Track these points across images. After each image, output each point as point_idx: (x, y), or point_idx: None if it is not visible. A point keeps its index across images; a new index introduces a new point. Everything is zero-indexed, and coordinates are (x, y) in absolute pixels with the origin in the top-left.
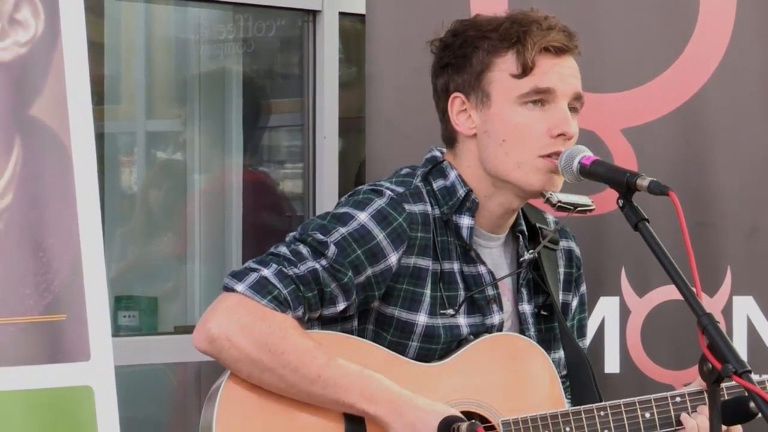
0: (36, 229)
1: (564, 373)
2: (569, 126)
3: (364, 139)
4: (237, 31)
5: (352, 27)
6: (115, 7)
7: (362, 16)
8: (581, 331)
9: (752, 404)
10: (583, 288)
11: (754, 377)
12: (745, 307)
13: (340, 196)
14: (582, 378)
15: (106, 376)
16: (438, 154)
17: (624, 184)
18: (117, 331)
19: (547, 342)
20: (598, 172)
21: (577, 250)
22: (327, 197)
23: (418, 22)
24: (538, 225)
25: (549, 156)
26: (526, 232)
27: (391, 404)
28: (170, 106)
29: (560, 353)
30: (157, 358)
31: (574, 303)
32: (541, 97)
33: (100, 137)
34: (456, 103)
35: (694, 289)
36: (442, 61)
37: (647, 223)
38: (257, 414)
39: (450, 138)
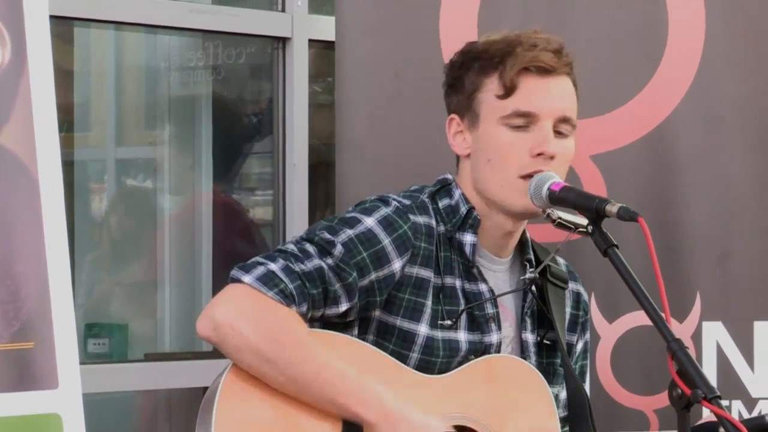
0: (3, 256)
1: (564, 414)
2: (549, 145)
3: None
4: (207, 58)
5: (324, 54)
6: (85, 34)
7: (332, 43)
8: (582, 377)
9: (722, 430)
10: (588, 335)
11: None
12: (714, 332)
13: (309, 222)
14: (580, 418)
15: (75, 403)
16: (449, 175)
17: (593, 210)
18: (87, 358)
19: (547, 375)
20: (568, 198)
21: (585, 295)
22: (297, 224)
23: (388, 48)
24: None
25: (531, 176)
26: (535, 264)
27: (383, 413)
28: (140, 133)
29: (559, 391)
30: (127, 385)
31: (579, 346)
32: (523, 121)
33: (70, 164)
34: (453, 124)
35: (663, 315)
36: (446, 83)
37: (617, 249)
38: (256, 413)
39: (456, 158)
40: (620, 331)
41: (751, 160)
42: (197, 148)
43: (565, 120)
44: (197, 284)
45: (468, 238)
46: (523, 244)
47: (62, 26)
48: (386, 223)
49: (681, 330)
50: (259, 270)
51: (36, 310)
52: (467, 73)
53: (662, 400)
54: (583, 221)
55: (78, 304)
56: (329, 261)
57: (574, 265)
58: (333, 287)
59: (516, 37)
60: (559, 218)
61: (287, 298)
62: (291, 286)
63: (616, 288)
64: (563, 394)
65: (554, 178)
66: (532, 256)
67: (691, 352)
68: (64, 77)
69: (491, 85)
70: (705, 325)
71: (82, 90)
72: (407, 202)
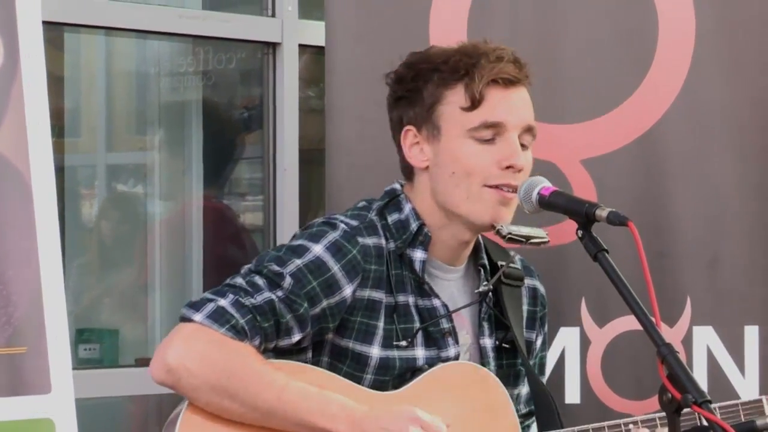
0: None
1: (527, 410)
2: (518, 158)
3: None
4: (197, 63)
5: (317, 59)
6: (76, 40)
7: (322, 48)
8: (541, 369)
9: None
10: (546, 327)
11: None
12: (705, 337)
13: (300, 228)
14: (548, 414)
15: (67, 408)
16: (398, 186)
17: (583, 215)
18: (78, 363)
19: (507, 377)
20: (558, 203)
21: (542, 289)
22: (287, 229)
23: (378, 53)
24: (499, 262)
25: (497, 187)
26: (488, 267)
27: (352, 421)
28: (131, 138)
29: (521, 389)
30: (118, 390)
31: (539, 341)
32: (490, 132)
33: (60, 170)
34: (408, 136)
35: (653, 320)
36: (396, 94)
37: (606, 254)
38: None
39: (406, 170)
40: (610, 336)
41: (740, 164)
42: (187, 154)
43: (529, 129)
44: (188, 289)
45: (418, 254)
46: (476, 248)
47: (53, 32)
48: (335, 249)
49: (671, 334)
50: (209, 307)
51: (28, 315)
52: (425, 85)
53: (653, 404)
54: (538, 232)
55: (69, 310)
56: (279, 293)
57: (564, 269)
58: (284, 319)
59: (474, 48)
60: (510, 233)
61: (239, 333)
62: (242, 321)
63: (606, 293)
64: (524, 390)
65: (544, 182)
66: (485, 261)
67: (682, 356)
68: (54, 83)
69: (454, 97)
70: (695, 329)
71: (73, 95)
72: (355, 223)
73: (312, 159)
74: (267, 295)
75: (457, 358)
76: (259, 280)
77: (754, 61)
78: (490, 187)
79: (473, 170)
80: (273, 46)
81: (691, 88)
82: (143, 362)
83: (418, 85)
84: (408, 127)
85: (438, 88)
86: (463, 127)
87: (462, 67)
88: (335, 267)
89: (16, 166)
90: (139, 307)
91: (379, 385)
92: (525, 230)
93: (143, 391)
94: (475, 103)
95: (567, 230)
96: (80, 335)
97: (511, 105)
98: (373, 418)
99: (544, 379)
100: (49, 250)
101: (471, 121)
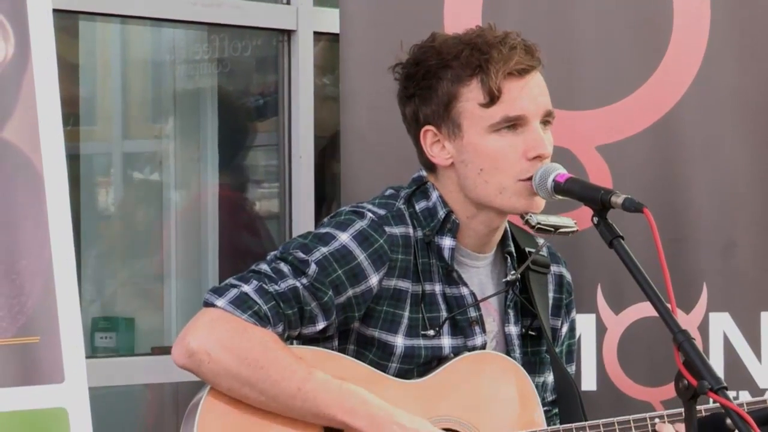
0: (8, 251)
1: (552, 398)
2: (544, 148)
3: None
4: (212, 51)
5: (333, 46)
6: (91, 27)
7: (337, 35)
8: (569, 357)
9: (728, 421)
10: (574, 314)
11: None
12: (721, 323)
13: (316, 215)
14: (570, 403)
15: (81, 397)
16: (425, 174)
17: (598, 202)
18: (94, 352)
19: (532, 365)
20: (573, 190)
21: (568, 276)
22: (303, 217)
23: (393, 40)
24: (527, 249)
25: (529, 179)
26: (515, 254)
27: (371, 419)
28: (146, 126)
29: (546, 377)
30: (134, 379)
31: (564, 329)
32: (513, 123)
33: (76, 158)
34: (428, 135)
35: (669, 306)
36: (408, 91)
37: (622, 240)
38: (237, 429)
39: (428, 165)
40: (626, 323)
41: (756, 150)
42: (203, 141)
43: (548, 114)
44: (204, 278)
45: (447, 242)
46: (503, 236)
47: (67, 20)
48: (361, 238)
49: (688, 321)
50: (232, 293)
51: (41, 304)
52: (439, 83)
53: (669, 391)
54: (567, 221)
55: (84, 298)
56: (303, 281)
57: (579, 256)
58: (309, 306)
59: (483, 39)
60: (539, 223)
61: (262, 320)
62: (265, 307)
63: (622, 279)
64: (550, 378)
65: (559, 169)
66: (512, 248)
67: (698, 343)
68: (69, 71)
69: (471, 94)
70: (712, 315)
71: (88, 84)
72: (382, 212)
73: (327, 146)
74: (291, 282)
75: (483, 346)
76: (284, 267)
77: None
78: (523, 180)
79: (502, 166)
80: (288, 34)
81: (706, 73)
82: (159, 351)
83: (431, 83)
84: (427, 127)
85: (453, 85)
86: (484, 122)
87: (474, 62)
88: (361, 256)
89: (28, 156)
90: (155, 295)
91: (403, 374)
92: (553, 219)
93: (159, 380)
94: (493, 99)
95: (583, 217)
96: (96, 324)
97: (529, 94)
98: (394, 423)
99: (572, 367)
100: (61, 239)
101: (492, 117)
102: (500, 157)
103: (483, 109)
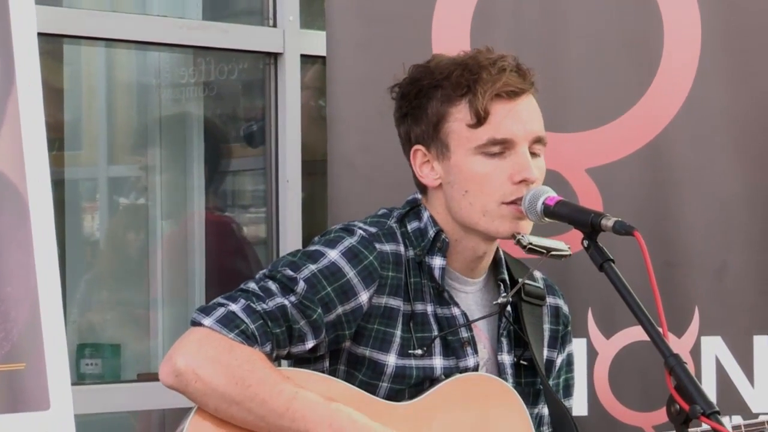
0: None
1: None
2: (530, 172)
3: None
4: (198, 74)
5: (316, 69)
6: (75, 51)
7: (324, 58)
8: (568, 391)
9: None
10: (571, 347)
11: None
12: (713, 347)
13: (303, 240)
14: None
15: (66, 425)
16: (419, 196)
17: (589, 225)
18: (80, 379)
19: (527, 395)
20: (563, 213)
21: (565, 308)
22: (290, 241)
23: (380, 63)
24: (521, 280)
25: (513, 203)
26: (509, 283)
27: None
28: (132, 151)
29: (542, 409)
30: (120, 406)
31: (559, 360)
32: (499, 147)
33: (60, 183)
34: (418, 155)
35: (661, 330)
36: (402, 111)
37: (613, 264)
38: None
39: (419, 186)
40: (618, 347)
41: (747, 172)
42: (189, 166)
43: (538, 140)
44: (191, 303)
45: (437, 261)
46: (496, 263)
47: (52, 44)
48: (351, 255)
49: (679, 345)
50: (220, 311)
51: (27, 331)
52: (429, 102)
53: (661, 416)
54: (560, 245)
55: (70, 324)
56: (292, 298)
57: (570, 280)
58: (297, 325)
59: (474, 61)
60: (530, 243)
61: (249, 339)
62: (252, 326)
63: (613, 303)
64: (545, 411)
65: (549, 192)
66: (506, 276)
67: (690, 367)
68: (54, 95)
69: (459, 114)
70: (704, 339)
71: (73, 108)
72: (373, 230)
73: (315, 170)
74: (279, 300)
75: (476, 368)
76: (272, 285)
77: (760, 70)
78: (507, 204)
79: (487, 188)
80: (274, 57)
81: (697, 96)
82: (145, 377)
83: (422, 102)
84: (417, 146)
85: (442, 105)
86: (471, 144)
87: (464, 82)
88: (351, 273)
89: (12, 181)
90: (142, 321)
91: (394, 395)
92: (546, 242)
93: (145, 406)
94: (480, 120)
95: (573, 240)
96: (82, 350)
97: (517, 118)
98: None
99: (570, 401)
100: (46, 265)
101: (478, 138)
102: (485, 179)
103: (470, 130)
